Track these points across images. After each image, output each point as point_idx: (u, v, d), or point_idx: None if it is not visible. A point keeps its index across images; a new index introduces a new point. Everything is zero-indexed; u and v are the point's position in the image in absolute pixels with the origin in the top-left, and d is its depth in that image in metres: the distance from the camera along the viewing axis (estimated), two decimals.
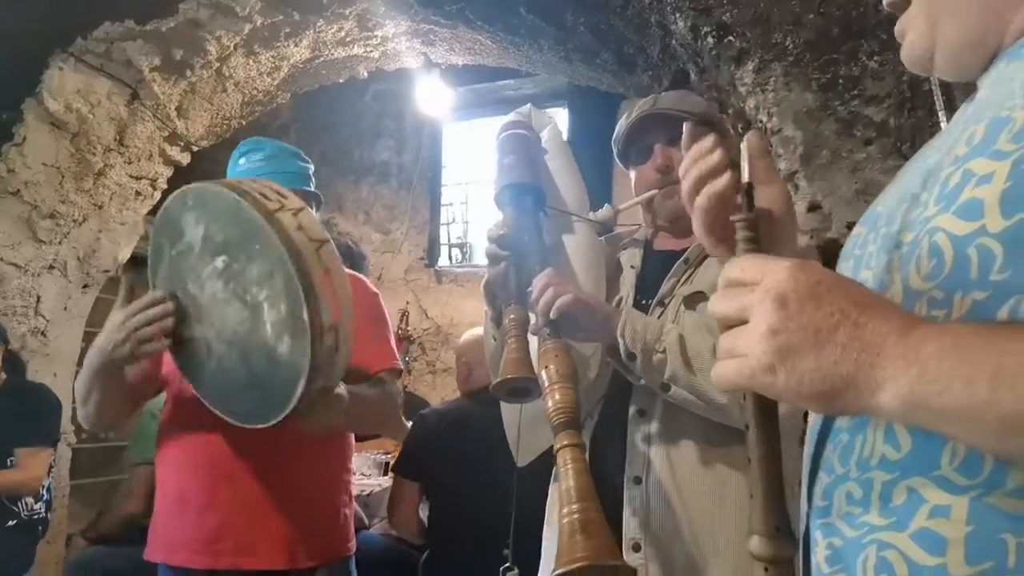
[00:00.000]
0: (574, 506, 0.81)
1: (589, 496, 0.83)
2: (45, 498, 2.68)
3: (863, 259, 0.62)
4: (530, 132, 1.36)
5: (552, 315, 1.04)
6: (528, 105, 1.45)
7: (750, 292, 0.51)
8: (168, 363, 1.54)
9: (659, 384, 1.10)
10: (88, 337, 3.30)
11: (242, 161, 1.71)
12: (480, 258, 4.74)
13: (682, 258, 1.29)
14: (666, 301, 1.26)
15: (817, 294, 0.48)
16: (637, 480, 1.16)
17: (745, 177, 0.64)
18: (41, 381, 2.83)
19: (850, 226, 1.67)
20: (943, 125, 1.63)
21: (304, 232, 1.18)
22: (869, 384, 0.45)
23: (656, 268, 1.32)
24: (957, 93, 1.66)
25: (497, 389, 1.04)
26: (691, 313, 1.21)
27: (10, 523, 2.52)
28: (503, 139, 1.35)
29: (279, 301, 1.19)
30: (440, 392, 4.39)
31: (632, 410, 1.20)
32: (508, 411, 1.31)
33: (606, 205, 1.37)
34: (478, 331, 2.61)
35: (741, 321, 0.52)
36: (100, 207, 2.94)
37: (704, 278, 1.25)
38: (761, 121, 1.87)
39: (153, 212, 3.27)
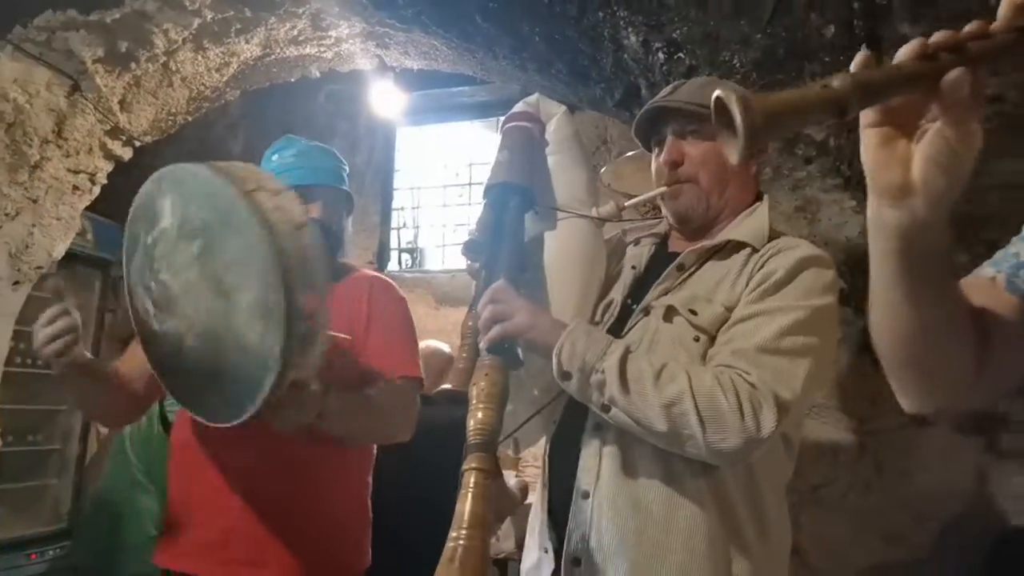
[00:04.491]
0: (463, 532, 0.82)
1: (479, 524, 0.83)
2: None
3: None
4: (535, 124, 1.32)
5: (489, 336, 1.03)
6: (536, 95, 1.39)
7: None
8: None
9: (600, 405, 1.06)
10: (18, 336, 3.16)
11: (275, 158, 1.68)
12: (431, 263, 4.72)
13: (675, 263, 1.22)
14: (650, 309, 1.20)
15: None
16: (585, 494, 1.12)
17: None
18: None
19: None
20: None
21: (282, 212, 1.14)
22: None
23: (661, 271, 1.26)
24: None
25: (441, 395, 1.04)
26: (668, 325, 1.16)
27: None
28: (503, 132, 1.31)
29: (253, 284, 1.14)
30: None
31: (589, 423, 1.16)
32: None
33: (611, 201, 1.31)
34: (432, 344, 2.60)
35: None
36: (35, 201, 2.82)
37: (693, 286, 1.19)
38: None
39: (92, 208, 3.17)
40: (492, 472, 0.89)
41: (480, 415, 0.92)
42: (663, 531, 1.08)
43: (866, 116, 0.59)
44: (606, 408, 1.05)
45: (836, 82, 0.53)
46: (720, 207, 1.27)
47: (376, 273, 1.74)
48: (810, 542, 1.59)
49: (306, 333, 1.13)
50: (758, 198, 1.31)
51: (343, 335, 1.56)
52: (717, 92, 0.52)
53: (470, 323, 1.10)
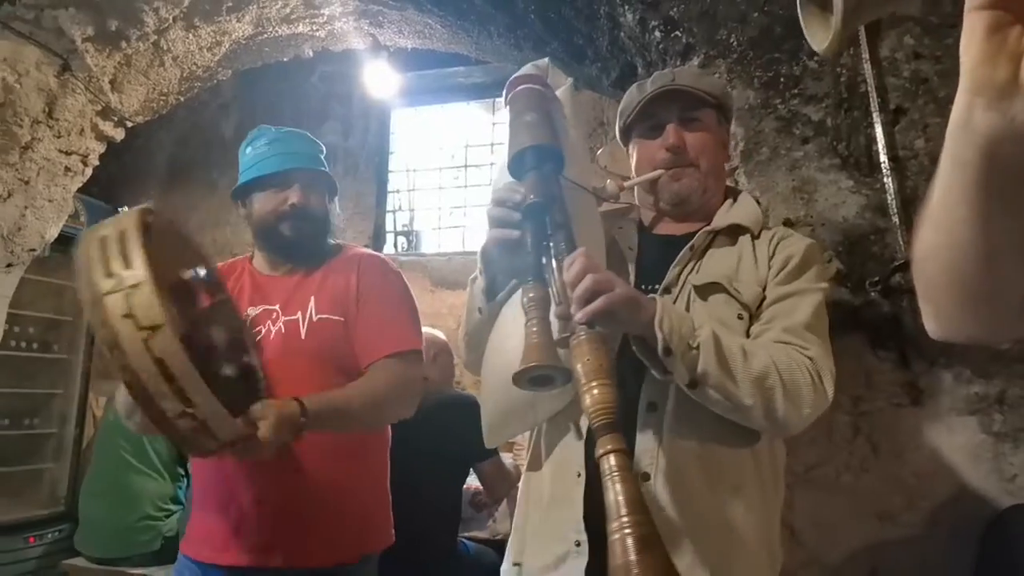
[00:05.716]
0: (625, 519, 0.74)
1: (642, 509, 0.75)
2: None
3: None
4: (547, 89, 1.22)
5: (593, 308, 0.93)
6: (546, 59, 1.32)
7: None
8: None
9: (687, 380, 1.03)
10: (12, 319, 3.15)
11: (248, 151, 1.67)
12: (427, 246, 4.70)
13: (689, 244, 1.23)
14: (673, 289, 1.20)
15: None
16: (645, 476, 1.10)
17: None
18: None
19: (787, 222, 1.71)
20: (877, 126, 1.69)
21: (132, 320, 1.04)
22: None
23: (655, 253, 1.26)
24: (892, 95, 1.71)
25: (519, 377, 0.92)
26: (703, 304, 1.16)
27: None
28: (521, 93, 1.18)
29: None
30: None
31: (643, 403, 1.13)
32: (487, 390, 1.23)
33: (608, 180, 1.28)
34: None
35: None
36: (27, 182, 2.80)
37: (712, 266, 1.21)
38: None
39: (83, 190, 3.14)
40: (630, 452, 0.82)
41: (597, 393, 0.84)
42: (727, 506, 1.10)
43: None
44: (694, 383, 1.03)
45: None
46: (713, 193, 1.31)
47: (367, 250, 1.72)
48: (805, 521, 1.59)
49: (190, 428, 1.09)
50: (729, 193, 1.36)
51: (334, 317, 1.55)
52: None
53: (531, 294, 0.99)
